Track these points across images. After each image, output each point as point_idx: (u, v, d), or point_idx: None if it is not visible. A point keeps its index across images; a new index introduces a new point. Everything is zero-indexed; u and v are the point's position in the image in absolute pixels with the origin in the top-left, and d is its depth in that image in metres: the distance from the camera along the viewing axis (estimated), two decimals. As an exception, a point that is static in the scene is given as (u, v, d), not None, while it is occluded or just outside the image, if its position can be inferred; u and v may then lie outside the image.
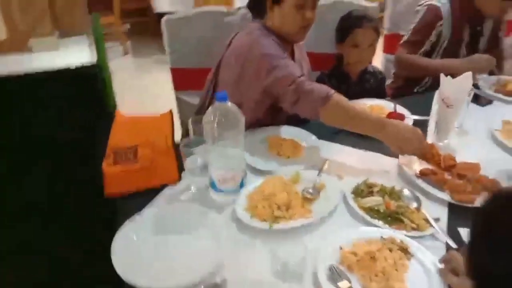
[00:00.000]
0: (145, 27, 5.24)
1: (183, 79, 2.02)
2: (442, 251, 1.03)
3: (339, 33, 1.82)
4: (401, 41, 2.05)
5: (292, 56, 1.63)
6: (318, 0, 1.51)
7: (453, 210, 1.17)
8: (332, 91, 1.34)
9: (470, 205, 1.15)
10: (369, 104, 1.70)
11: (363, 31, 1.75)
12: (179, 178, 1.27)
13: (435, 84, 2.02)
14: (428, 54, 2.01)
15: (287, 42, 1.56)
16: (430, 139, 1.46)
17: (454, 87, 1.37)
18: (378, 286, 0.91)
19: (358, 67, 1.83)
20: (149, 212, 1.13)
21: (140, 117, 1.38)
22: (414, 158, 1.33)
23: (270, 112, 1.54)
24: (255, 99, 1.47)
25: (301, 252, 0.94)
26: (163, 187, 1.24)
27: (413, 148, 1.28)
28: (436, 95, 1.81)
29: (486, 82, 1.88)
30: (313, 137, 1.47)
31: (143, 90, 3.80)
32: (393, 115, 1.58)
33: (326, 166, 1.31)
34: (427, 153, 1.30)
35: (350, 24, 1.77)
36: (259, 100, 1.48)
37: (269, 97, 1.45)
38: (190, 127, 1.31)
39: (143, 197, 1.19)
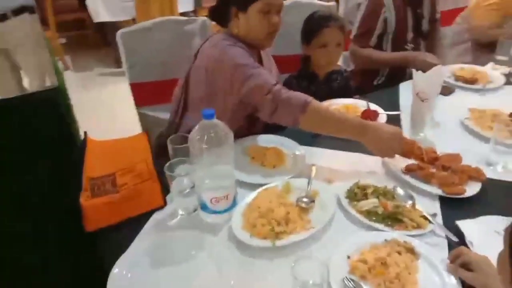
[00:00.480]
0: (83, 40, 4.98)
1: (145, 94, 1.91)
2: (444, 247, 1.04)
3: (306, 34, 1.81)
4: (351, 36, 2.11)
5: (261, 62, 1.60)
6: (283, 5, 1.49)
7: (445, 203, 1.18)
8: (310, 97, 1.32)
9: (461, 196, 1.18)
10: (342, 104, 1.70)
11: (330, 30, 1.75)
12: (165, 203, 1.19)
13: (391, 75, 2.13)
14: (379, 44, 2.07)
15: (254, 48, 1.52)
16: (405, 133, 1.48)
17: (427, 81, 1.40)
18: (397, 292, 0.89)
19: (327, 68, 1.82)
20: (141, 246, 1.04)
21: (113, 141, 1.28)
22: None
23: (247, 122, 1.49)
24: (231, 111, 1.42)
25: (315, 267, 0.90)
26: (148, 213, 1.16)
27: (395, 152, 1.30)
28: (402, 89, 1.87)
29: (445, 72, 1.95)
30: (295, 144, 1.44)
31: (96, 108, 3.57)
32: (368, 113, 1.59)
33: (314, 172, 1.29)
34: (408, 152, 1.31)
35: (317, 25, 1.76)
36: (235, 111, 1.42)
37: (246, 108, 1.41)
38: (170, 147, 1.23)
39: (127, 226, 1.10)
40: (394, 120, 1.58)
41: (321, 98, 1.71)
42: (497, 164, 1.32)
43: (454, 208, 1.16)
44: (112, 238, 1.09)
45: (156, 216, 1.16)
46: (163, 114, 1.91)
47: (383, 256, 0.96)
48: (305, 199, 1.17)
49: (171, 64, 1.88)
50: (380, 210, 1.12)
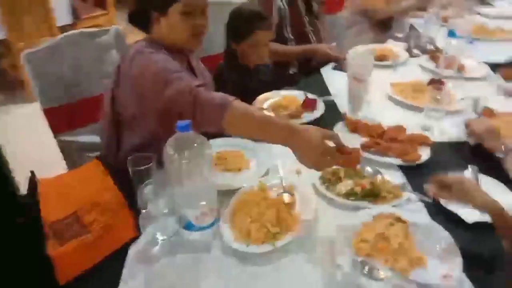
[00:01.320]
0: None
1: (62, 118, 1.70)
2: (423, 210, 1.12)
3: (235, 33, 1.78)
4: None
5: (191, 68, 1.52)
6: (207, 6, 1.43)
7: (405, 171, 1.28)
8: (232, 97, 1.15)
9: (418, 162, 1.28)
10: (280, 96, 1.72)
11: (262, 32, 1.75)
12: (139, 231, 1.07)
13: (302, 64, 2.24)
14: (281, 34, 2.15)
15: (181, 53, 1.44)
16: (348, 114, 1.57)
17: (361, 63, 1.49)
18: (404, 264, 0.94)
19: (258, 62, 1.82)
20: (132, 285, 0.92)
21: (65, 175, 1.10)
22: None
23: None
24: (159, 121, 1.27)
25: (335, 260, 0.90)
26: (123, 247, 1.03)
27: (328, 165, 1.08)
28: (326, 74, 1.97)
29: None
30: (250, 142, 1.42)
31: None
32: (307, 102, 1.64)
33: (281, 167, 1.28)
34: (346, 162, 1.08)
35: (248, 25, 1.74)
36: (163, 120, 1.23)
37: (172, 117, 1.17)
38: (131, 170, 1.11)
39: (105, 268, 0.97)
40: (331, 106, 1.66)
41: (255, 91, 1.72)
42: (433, 128, 1.47)
43: (415, 174, 1.27)
44: (93, 285, 0.95)
45: (134, 249, 1.04)
46: (89, 137, 1.72)
47: (381, 231, 1.00)
48: (286, 194, 1.16)
49: (87, 82, 1.70)
50: (358, 190, 1.16)
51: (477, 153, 1.35)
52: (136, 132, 1.38)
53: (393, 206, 1.12)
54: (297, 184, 1.21)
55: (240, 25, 1.77)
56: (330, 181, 1.22)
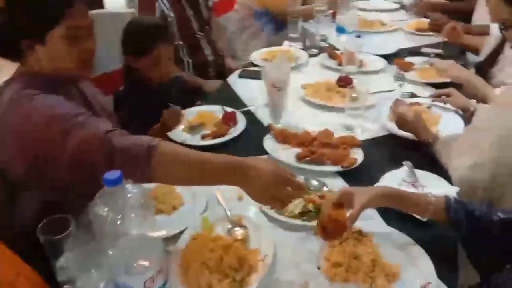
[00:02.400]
0: None
1: None
2: (375, 216, 1.10)
3: (134, 49, 1.56)
4: None
5: (84, 99, 1.26)
6: (93, 23, 1.19)
7: (344, 176, 1.26)
8: (156, 140, 0.96)
9: (355, 166, 1.27)
10: (196, 113, 1.57)
11: (165, 47, 1.56)
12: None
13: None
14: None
15: (70, 84, 1.17)
16: (270, 121, 1.49)
17: (278, 71, 1.42)
18: (383, 281, 0.89)
19: (162, 80, 1.62)
20: None
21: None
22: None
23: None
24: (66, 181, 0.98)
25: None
26: None
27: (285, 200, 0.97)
28: (234, 83, 1.87)
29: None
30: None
31: None
32: (228, 116, 1.52)
33: (220, 196, 1.15)
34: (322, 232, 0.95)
35: (149, 40, 1.54)
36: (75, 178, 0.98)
37: (87, 170, 0.95)
38: (44, 240, 0.86)
39: None
40: (249, 114, 1.57)
41: (161, 109, 1.54)
42: (356, 127, 1.48)
43: (354, 177, 1.25)
44: None
45: None
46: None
47: (350, 250, 0.94)
48: (237, 229, 1.04)
49: None
50: (311, 207, 1.09)
51: (403, 144, 1.39)
52: (35, 193, 1.09)
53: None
54: (244, 212, 1.09)
55: (139, 39, 1.56)
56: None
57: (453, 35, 2.01)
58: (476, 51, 1.98)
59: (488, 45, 1.83)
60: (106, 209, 0.77)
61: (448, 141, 1.26)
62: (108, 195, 0.78)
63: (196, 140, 1.44)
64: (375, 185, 1.18)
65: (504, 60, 1.67)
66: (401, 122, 1.38)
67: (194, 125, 1.50)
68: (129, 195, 0.80)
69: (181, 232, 1.03)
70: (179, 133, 1.48)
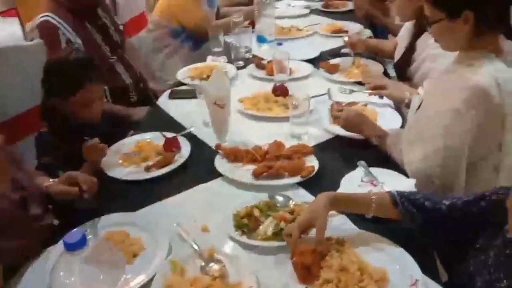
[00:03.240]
0: None
1: None
2: (347, 222, 1.08)
3: (60, 90, 1.38)
4: None
5: None
6: None
7: (304, 186, 1.23)
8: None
9: (314, 173, 1.25)
10: (134, 144, 1.45)
11: (97, 84, 1.41)
12: None
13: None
14: None
15: None
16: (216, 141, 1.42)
17: (218, 88, 1.36)
18: (373, 285, 0.87)
19: (93, 121, 1.46)
20: None
21: None
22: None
23: None
24: None
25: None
26: None
27: None
28: (165, 105, 1.76)
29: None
30: (126, 215, 1.13)
31: None
32: (169, 142, 1.41)
33: (183, 232, 1.06)
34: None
35: (76, 80, 1.37)
36: None
37: None
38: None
39: None
40: (191, 138, 1.48)
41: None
42: (302, 135, 1.47)
43: (313, 185, 1.23)
44: None
45: None
46: None
47: (336, 263, 0.91)
48: (211, 265, 0.95)
49: None
50: (283, 225, 1.04)
51: (353, 144, 1.41)
52: None
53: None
54: (212, 243, 1.01)
55: (64, 81, 1.38)
56: (248, 227, 1.06)
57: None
58: (389, 56, 2.09)
59: (399, 48, 1.94)
60: (72, 278, 0.65)
61: (396, 135, 1.31)
62: (69, 259, 0.66)
63: (140, 174, 1.31)
64: (337, 191, 1.17)
65: (418, 58, 1.76)
66: (347, 124, 1.40)
67: (131, 156, 1.37)
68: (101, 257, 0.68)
69: (151, 280, 0.92)
70: (119, 169, 1.34)
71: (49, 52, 1.80)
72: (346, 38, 2.13)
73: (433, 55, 1.58)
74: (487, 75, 1.09)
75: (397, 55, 1.92)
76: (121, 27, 2.18)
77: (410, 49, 1.78)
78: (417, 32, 1.75)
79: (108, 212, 1.13)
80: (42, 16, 1.82)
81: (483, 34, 1.14)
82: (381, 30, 2.64)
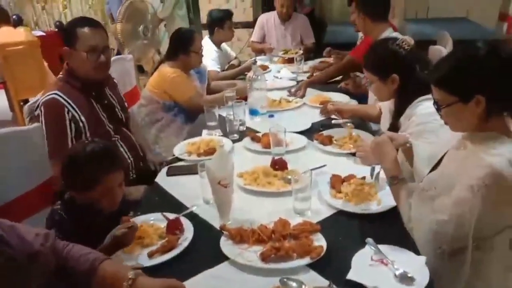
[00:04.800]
0: None
1: None
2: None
3: (80, 184, 1.38)
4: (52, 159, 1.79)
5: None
6: None
7: (314, 267, 1.21)
8: (101, 255, 1.10)
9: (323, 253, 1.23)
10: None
11: (113, 174, 1.40)
12: None
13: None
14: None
15: None
16: (219, 225, 1.39)
17: (223, 167, 1.37)
18: None
19: (112, 208, 1.43)
20: None
21: None
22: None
23: None
24: None
25: None
26: None
27: None
28: (162, 180, 1.74)
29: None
30: None
31: None
32: (173, 224, 1.38)
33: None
34: None
35: (99, 172, 1.37)
36: None
37: None
38: None
39: None
40: (193, 217, 1.46)
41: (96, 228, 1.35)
42: (305, 211, 1.47)
43: (324, 266, 1.21)
44: None
45: None
46: None
47: None
48: None
49: None
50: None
51: (357, 219, 1.41)
52: None
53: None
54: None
55: (81, 177, 1.37)
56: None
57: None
58: (376, 120, 2.19)
59: (383, 123, 2.03)
60: None
61: (412, 188, 1.33)
62: None
63: (143, 260, 1.27)
64: (349, 272, 1.15)
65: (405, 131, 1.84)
66: (376, 148, 1.44)
67: (134, 246, 1.32)
68: None
69: None
70: (121, 255, 1.29)
71: (51, 129, 1.80)
72: (330, 106, 2.24)
73: (418, 131, 1.67)
74: (502, 157, 1.14)
75: (383, 126, 2.00)
76: (126, 104, 2.22)
77: (394, 127, 1.85)
78: (398, 111, 1.83)
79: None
80: (50, 94, 1.83)
81: (496, 115, 1.21)
82: (363, 96, 2.76)
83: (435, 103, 1.28)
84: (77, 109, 1.85)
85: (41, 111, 1.82)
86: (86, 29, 1.87)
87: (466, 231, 1.18)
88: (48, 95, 1.84)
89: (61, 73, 1.97)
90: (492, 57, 1.17)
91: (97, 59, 1.89)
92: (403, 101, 1.79)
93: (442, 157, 1.37)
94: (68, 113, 1.83)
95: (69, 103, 1.84)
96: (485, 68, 1.17)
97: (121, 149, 2.02)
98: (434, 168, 1.38)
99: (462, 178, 1.18)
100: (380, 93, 1.89)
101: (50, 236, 1.07)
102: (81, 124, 1.86)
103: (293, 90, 2.82)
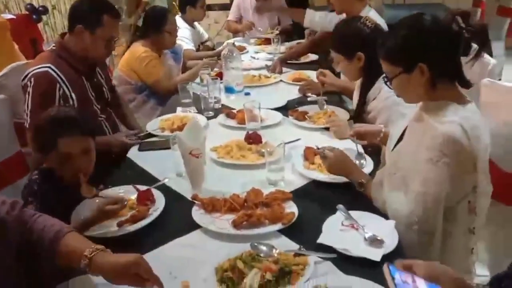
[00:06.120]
0: None
1: None
2: (332, 269, 1.06)
3: (42, 142, 1.35)
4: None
5: None
6: None
7: (286, 233, 1.21)
8: (66, 227, 1.04)
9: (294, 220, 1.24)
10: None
11: (70, 140, 1.34)
12: None
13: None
14: None
15: None
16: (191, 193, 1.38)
17: (193, 137, 1.35)
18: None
19: (77, 178, 1.38)
20: None
21: None
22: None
23: None
24: None
25: None
26: None
27: None
28: (135, 155, 1.72)
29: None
30: None
31: None
32: (143, 195, 1.36)
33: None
34: None
35: (50, 136, 1.32)
36: None
37: None
38: None
39: None
40: (165, 190, 1.44)
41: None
42: (278, 181, 1.47)
43: (294, 232, 1.21)
44: None
45: None
46: None
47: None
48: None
49: None
50: (269, 276, 1.00)
51: (328, 189, 1.42)
52: None
53: (306, 281, 1.01)
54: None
55: (43, 135, 1.36)
56: (232, 280, 1.01)
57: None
58: (350, 94, 2.19)
59: (354, 98, 2.03)
60: None
61: (379, 183, 1.32)
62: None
63: (113, 230, 1.24)
64: (320, 236, 1.16)
65: (372, 108, 1.85)
66: (334, 166, 1.41)
67: (106, 213, 1.29)
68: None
69: None
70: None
71: (38, 101, 1.72)
72: (318, 71, 2.22)
73: (386, 105, 1.68)
74: (454, 124, 1.15)
75: (354, 105, 2.01)
76: (114, 83, 2.17)
77: (363, 102, 1.86)
78: (365, 87, 1.84)
79: (80, 272, 1.05)
80: (43, 67, 1.74)
81: (442, 83, 1.21)
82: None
83: (385, 76, 1.29)
84: (69, 86, 1.78)
85: (30, 81, 1.73)
86: (112, 19, 1.84)
87: (436, 206, 1.17)
88: (40, 67, 1.75)
89: (53, 45, 1.89)
90: (431, 27, 1.19)
91: (111, 47, 1.88)
92: (370, 77, 1.79)
93: (404, 131, 1.38)
94: (59, 89, 1.76)
95: (61, 79, 1.77)
96: (424, 37, 1.19)
97: (105, 129, 1.97)
98: (397, 143, 1.39)
99: (422, 151, 1.18)
100: (347, 72, 1.90)
101: (17, 205, 1.04)
102: (70, 102, 1.79)
103: (269, 66, 2.80)
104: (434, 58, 1.18)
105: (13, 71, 2.04)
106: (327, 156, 1.40)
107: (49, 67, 1.75)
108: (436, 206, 1.17)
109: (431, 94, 1.22)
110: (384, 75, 1.31)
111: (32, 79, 1.73)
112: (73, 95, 1.80)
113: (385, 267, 0.85)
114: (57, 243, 0.99)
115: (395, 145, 1.34)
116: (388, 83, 1.29)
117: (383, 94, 1.71)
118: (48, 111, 1.41)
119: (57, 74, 1.76)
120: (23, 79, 1.77)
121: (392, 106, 1.64)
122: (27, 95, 1.74)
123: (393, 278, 0.83)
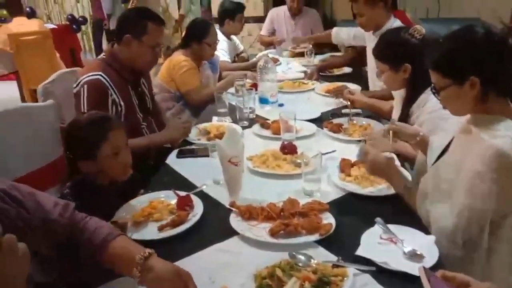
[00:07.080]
0: None
1: None
2: (372, 281, 1.06)
3: (84, 149, 1.40)
4: None
5: None
6: None
7: (323, 244, 1.21)
8: (116, 230, 1.10)
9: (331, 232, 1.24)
10: (147, 201, 1.43)
11: (117, 132, 1.41)
12: None
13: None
14: None
15: None
16: (229, 203, 1.40)
17: (233, 146, 1.38)
18: None
19: (123, 175, 1.45)
20: None
21: None
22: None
23: None
24: None
25: None
26: None
27: None
28: (173, 163, 1.76)
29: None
30: None
31: None
32: (182, 200, 1.40)
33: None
34: None
35: (97, 134, 1.39)
36: None
37: None
38: None
39: None
40: (203, 196, 1.47)
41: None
42: (314, 192, 1.47)
43: (332, 243, 1.21)
44: None
45: None
46: None
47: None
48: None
49: None
50: (308, 285, 1.01)
51: (366, 201, 1.42)
52: None
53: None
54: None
55: (85, 137, 1.40)
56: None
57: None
58: (387, 116, 2.17)
59: (396, 111, 2.02)
60: None
61: (424, 191, 1.31)
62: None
63: (153, 233, 1.28)
64: (358, 249, 1.15)
65: (415, 122, 1.83)
66: (373, 167, 1.41)
67: (144, 216, 1.34)
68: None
69: None
70: (130, 229, 1.30)
71: (94, 108, 1.75)
72: (346, 91, 2.23)
73: (430, 118, 1.65)
74: (505, 139, 1.12)
75: (395, 114, 1.99)
76: (153, 93, 2.25)
77: (406, 114, 1.84)
78: (409, 99, 1.82)
79: (120, 275, 1.08)
80: (95, 75, 1.83)
81: (493, 97, 1.19)
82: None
83: (433, 87, 1.28)
84: (117, 93, 1.86)
85: (83, 88, 1.80)
86: (157, 26, 1.91)
87: (481, 221, 1.15)
88: (92, 75, 1.83)
89: (103, 54, 1.99)
90: (485, 39, 1.17)
91: (157, 55, 1.95)
92: (415, 89, 1.78)
93: (449, 144, 1.36)
94: (111, 96, 1.84)
95: (111, 86, 1.85)
96: (477, 50, 1.17)
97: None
98: (441, 155, 1.37)
99: (468, 164, 1.16)
100: (391, 82, 1.89)
101: (69, 207, 1.09)
102: (119, 108, 1.87)
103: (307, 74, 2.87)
104: (486, 72, 1.17)
105: (59, 78, 2.14)
106: (368, 152, 1.39)
107: (100, 75, 1.83)
108: (481, 222, 1.15)
109: (481, 107, 1.20)
110: (432, 85, 1.30)
111: (85, 86, 1.81)
112: (121, 102, 1.87)
113: (420, 269, 0.86)
114: (106, 245, 1.03)
115: (438, 158, 1.33)
116: (435, 94, 1.29)
117: (429, 106, 1.68)
118: (82, 117, 1.50)
119: (108, 82, 1.84)
120: (76, 86, 1.85)
121: (436, 119, 1.62)
122: (81, 101, 1.81)
123: (429, 281, 0.83)
